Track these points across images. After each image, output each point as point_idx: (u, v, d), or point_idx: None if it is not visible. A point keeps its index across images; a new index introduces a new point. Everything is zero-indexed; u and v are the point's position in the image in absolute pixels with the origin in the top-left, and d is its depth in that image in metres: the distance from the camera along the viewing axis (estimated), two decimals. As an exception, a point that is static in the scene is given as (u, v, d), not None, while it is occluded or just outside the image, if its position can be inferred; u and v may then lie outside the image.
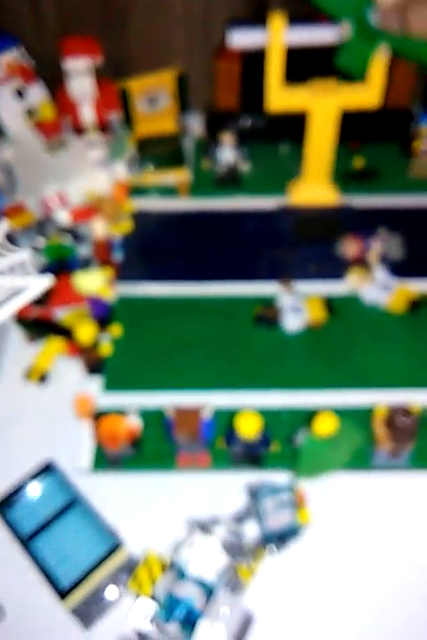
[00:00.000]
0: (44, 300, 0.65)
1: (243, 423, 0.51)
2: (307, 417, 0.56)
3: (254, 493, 0.51)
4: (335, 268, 0.73)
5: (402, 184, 0.83)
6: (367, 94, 0.71)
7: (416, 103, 0.88)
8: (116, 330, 0.67)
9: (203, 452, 0.55)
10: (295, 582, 0.51)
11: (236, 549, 0.48)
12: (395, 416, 0.50)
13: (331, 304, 0.68)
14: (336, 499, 0.56)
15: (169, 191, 0.84)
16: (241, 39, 0.77)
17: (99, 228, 0.72)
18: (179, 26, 0.87)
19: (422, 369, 0.64)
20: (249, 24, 0.73)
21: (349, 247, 0.73)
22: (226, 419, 0.57)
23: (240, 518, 0.51)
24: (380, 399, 0.59)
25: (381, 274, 0.69)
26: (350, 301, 0.70)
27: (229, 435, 0.53)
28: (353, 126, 0.85)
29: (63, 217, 0.73)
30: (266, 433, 0.53)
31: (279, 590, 0.51)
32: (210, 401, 0.58)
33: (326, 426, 0.51)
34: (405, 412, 0.50)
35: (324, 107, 0.71)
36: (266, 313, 0.67)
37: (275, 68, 0.69)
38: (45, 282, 0.61)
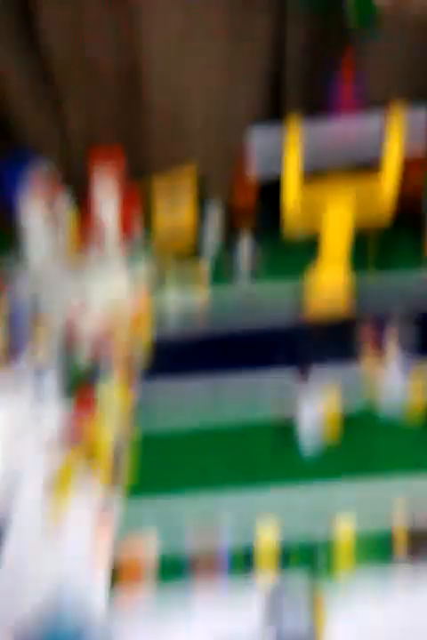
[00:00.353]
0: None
1: None
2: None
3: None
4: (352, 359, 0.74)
5: (417, 264, 0.85)
6: (381, 191, 0.73)
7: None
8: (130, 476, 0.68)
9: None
10: None
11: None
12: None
13: (347, 419, 0.68)
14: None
15: (188, 290, 0.87)
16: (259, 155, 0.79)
17: (120, 344, 0.75)
18: (198, 127, 0.91)
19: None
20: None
21: (365, 335, 0.74)
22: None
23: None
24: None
25: (396, 359, 0.70)
26: (368, 411, 0.70)
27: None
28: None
29: (88, 328, 0.77)
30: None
31: None
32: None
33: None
34: None
35: (338, 205, 0.74)
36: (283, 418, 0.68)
37: (292, 174, 0.73)
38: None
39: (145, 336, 0.80)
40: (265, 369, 0.75)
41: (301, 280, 0.82)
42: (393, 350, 0.71)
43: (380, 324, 0.74)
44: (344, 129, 0.76)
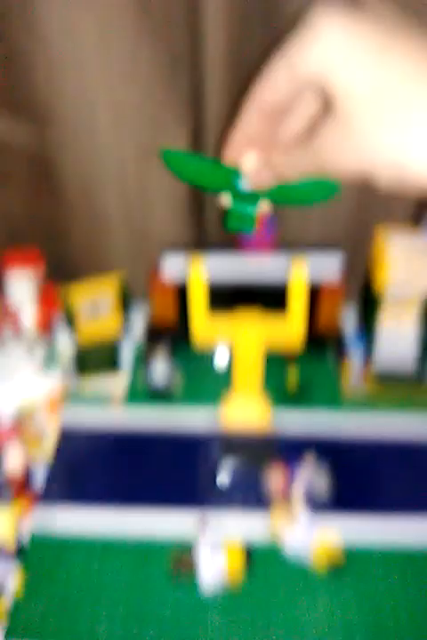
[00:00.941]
0: None
1: None
2: None
3: None
4: (260, 503, 0.70)
5: (335, 404, 0.82)
6: (289, 330, 0.71)
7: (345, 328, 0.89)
8: (19, 579, 0.63)
9: None
10: None
11: None
12: None
13: (250, 557, 0.64)
14: None
15: (102, 401, 0.83)
16: (172, 270, 0.81)
17: (14, 458, 0.70)
18: (119, 236, 0.90)
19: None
20: (182, 253, 0.77)
21: (274, 478, 0.71)
22: None
23: None
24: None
25: (303, 514, 0.65)
26: (272, 552, 0.66)
27: None
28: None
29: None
30: None
31: None
32: None
33: None
34: None
35: (247, 338, 0.72)
36: (180, 565, 0.63)
37: (198, 303, 0.71)
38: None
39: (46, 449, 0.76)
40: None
41: (218, 400, 0.79)
42: (300, 500, 0.67)
43: (291, 468, 0.71)
44: (251, 265, 0.77)
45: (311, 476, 0.71)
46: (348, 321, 0.92)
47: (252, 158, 0.51)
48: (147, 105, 0.77)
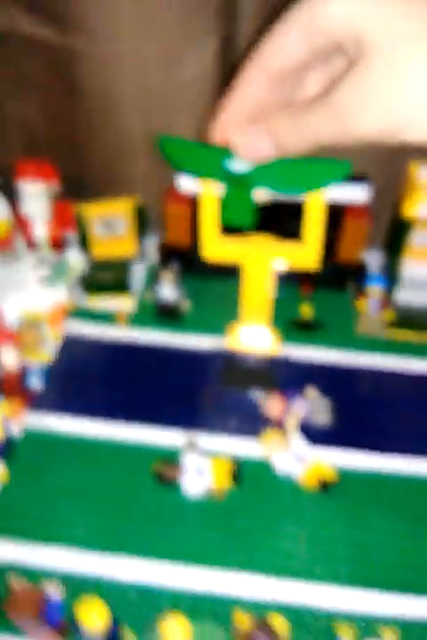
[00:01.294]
0: None
1: (87, 614, 0.46)
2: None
3: None
4: (255, 426, 0.68)
5: (347, 341, 0.79)
6: (304, 255, 0.68)
7: (369, 259, 0.85)
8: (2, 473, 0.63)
9: (52, 632, 0.49)
10: None
11: None
12: (254, 636, 0.44)
13: (238, 470, 0.63)
14: None
15: (108, 318, 0.82)
16: (188, 184, 0.79)
17: (8, 358, 0.70)
18: (139, 157, 0.87)
19: (325, 562, 0.57)
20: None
21: (271, 405, 0.69)
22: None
23: None
24: (269, 590, 0.54)
25: (296, 442, 0.64)
26: (262, 469, 0.65)
27: (72, 625, 0.47)
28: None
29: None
30: (116, 628, 0.47)
31: None
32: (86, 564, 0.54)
33: (175, 635, 0.45)
34: (265, 630, 0.44)
35: (258, 262, 0.69)
36: (165, 472, 0.62)
37: (209, 222, 0.68)
38: None
39: (43, 355, 0.75)
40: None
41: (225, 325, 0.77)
42: (294, 429, 0.65)
43: (289, 397, 0.69)
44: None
45: (311, 407, 0.69)
46: (372, 259, 0.87)
47: (247, 130, 0.43)
48: (174, 11, 0.73)
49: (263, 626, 0.45)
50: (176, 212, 0.82)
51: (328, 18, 0.37)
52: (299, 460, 0.63)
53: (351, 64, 0.37)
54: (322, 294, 0.86)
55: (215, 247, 0.70)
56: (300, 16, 0.37)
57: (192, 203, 0.80)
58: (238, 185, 0.51)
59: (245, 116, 0.42)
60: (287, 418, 0.67)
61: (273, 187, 0.51)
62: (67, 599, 0.52)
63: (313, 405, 0.69)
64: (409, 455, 0.66)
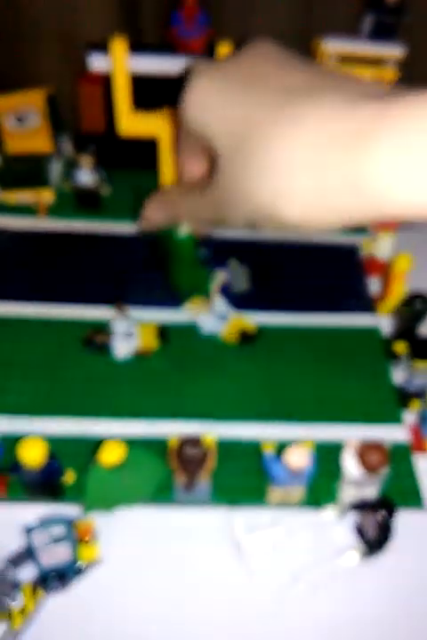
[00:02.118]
0: None
1: (25, 450, 0.48)
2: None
3: (28, 529, 0.48)
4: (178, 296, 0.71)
5: None
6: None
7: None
8: None
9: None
10: (79, 622, 0.48)
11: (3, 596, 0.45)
12: (183, 447, 0.49)
13: (164, 331, 0.67)
14: (130, 533, 0.53)
15: (28, 211, 0.81)
16: (100, 63, 0.78)
17: None
18: (46, 44, 0.85)
19: (248, 404, 0.63)
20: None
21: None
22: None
23: (16, 558, 0.48)
24: (199, 430, 0.58)
25: (219, 303, 0.68)
26: (187, 330, 0.69)
27: (14, 464, 0.49)
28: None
29: None
30: (55, 462, 0.50)
31: (61, 630, 0.48)
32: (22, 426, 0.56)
33: (112, 455, 0.48)
34: (193, 442, 0.49)
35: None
36: (95, 337, 0.65)
37: (122, 94, 0.68)
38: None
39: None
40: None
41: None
42: (217, 294, 0.69)
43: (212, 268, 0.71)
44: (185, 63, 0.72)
45: (232, 275, 0.73)
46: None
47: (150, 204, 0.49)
48: None
49: (193, 440, 0.49)
50: (89, 93, 0.81)
51: (189, 123, 0.40)
52: (221, 318, 0.68)
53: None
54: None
55: (131, 122, 0.70)
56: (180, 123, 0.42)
57: (105, 82, 0.79)
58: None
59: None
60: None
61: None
62: (5, 452, 0.55)
63: (233, 274, 0.73)
64: (316, 311, 0.73)
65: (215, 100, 0.37)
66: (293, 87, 0.33)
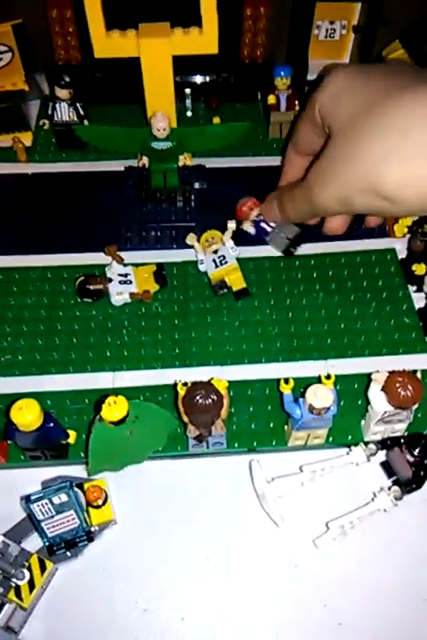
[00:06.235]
0: None
1: (17, 413, 0.43)
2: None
3: (27, 499, 0.42)
4: (175, 237, 0.66)
5: (259, 149, 0.75)
6: (203, 40, 0.63)
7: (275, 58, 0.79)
8: None
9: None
10: (92, 590, 0.45)
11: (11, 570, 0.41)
12: (194, 397, 0.43)
13: (162, 272, 0.61)
14: (145, 490, 0.49)
15: (6, 155, 0.74)
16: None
17: None
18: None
19: (258, 341, 0.58)
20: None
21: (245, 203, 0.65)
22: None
23: (17, 531, 0.44)
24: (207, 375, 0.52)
25: (225, 247, 0.61)
26: (185, 269, 0.63)
27: (8, 428, 0.45)
28: (211, 83, 0.78)
29: None
30: (51, 422, 0.45)
31: (73, 603, 0.44)
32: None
33: (114, 411, 0.42)
34: (204, 390, 0.43)
35: (155, 52, 0.63)
36: (89, 284, 0.59)
37: (94, 12, 0.61)
38: None
39: None
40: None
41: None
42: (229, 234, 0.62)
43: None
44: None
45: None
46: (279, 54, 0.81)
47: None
48: None
49: (203, 385, 0.44)
50: (58, 16, 0.73)
51: (317, 108, 0.48)
52: (220, 263, 0.61)
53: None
54: (231, 106, 0.80)
55: (107, 44, 0.63)
56: (307, 108, 0.51)
57: (75, 2, 0.71)
58: (162, 158, 0.64)
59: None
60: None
61: (193, 149, 0.66)
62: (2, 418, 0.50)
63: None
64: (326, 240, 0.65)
65: (348, 90, 0.44)
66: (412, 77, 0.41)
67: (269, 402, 0.54)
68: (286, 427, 0.52)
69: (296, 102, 0.74)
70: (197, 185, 0.71)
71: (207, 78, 0.78)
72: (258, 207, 0.64)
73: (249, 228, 0.65)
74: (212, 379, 0.45)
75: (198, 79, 0.78)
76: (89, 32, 0.63)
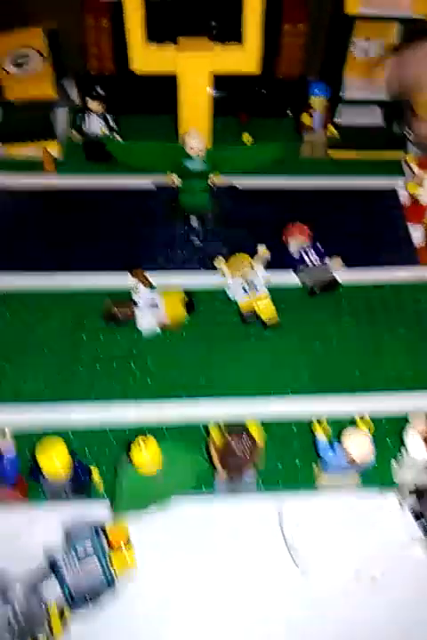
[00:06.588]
0: None
1: (45, 459, 0.41)
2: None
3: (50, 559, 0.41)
4: (201, 259, 0.65)
5: (290, 168, 0.73)
6: (244, 58, 0.62)
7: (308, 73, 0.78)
8: None
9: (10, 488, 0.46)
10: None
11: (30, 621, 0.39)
12: (229, 442, 0.42)
13: (191, 299, 0.59)
14: (168, 534, 0.47)
15: (33, 166, 0.73)
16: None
17: None
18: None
19: (287, 375, 0.56)
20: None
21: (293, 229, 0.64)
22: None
23: (39, 578, 0.42)
24: (236, 412, 0.52)
25: (255, 273, 0.59)
26: (213, 295, 0.61)
27: (34, 470, 0.43)
28: (242, 97, 0.77)
29: None
30: (79, 465, 0.44)
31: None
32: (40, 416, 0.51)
33: (144, 454, 0.41)
34: (238, 435, 0.42)
35: (193, 67, 0.62)
36: (116, 310, 0.57)
37: (134, 23, 0.59)
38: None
39: None
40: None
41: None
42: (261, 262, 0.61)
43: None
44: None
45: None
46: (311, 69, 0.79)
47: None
48: None
49: (239, 431, 0.43)
50: (95, 24, 0.71)
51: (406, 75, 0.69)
52: (247, 290, 0.59)
53: None
54: (261, 122, 0.78)
55: (145, 57, 0.62)
56: None
57: (113, 10, 0.69)
58: (193, 176, 0.63)
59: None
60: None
61: (225, 170, 0.64)
62: (24, 454, 0.48)
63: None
64: (357, 267, 0.65)
65: None
66: None
67: (297, 439, 0.52)
68: (314, 466, 0.50)
69: (329, 123, 0.73)
70: (227, 205, 0.69)
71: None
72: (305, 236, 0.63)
73: (295, 250, 0.64)
74: (245, 423, 0.44)
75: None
76: (126, 42, 0.62)
